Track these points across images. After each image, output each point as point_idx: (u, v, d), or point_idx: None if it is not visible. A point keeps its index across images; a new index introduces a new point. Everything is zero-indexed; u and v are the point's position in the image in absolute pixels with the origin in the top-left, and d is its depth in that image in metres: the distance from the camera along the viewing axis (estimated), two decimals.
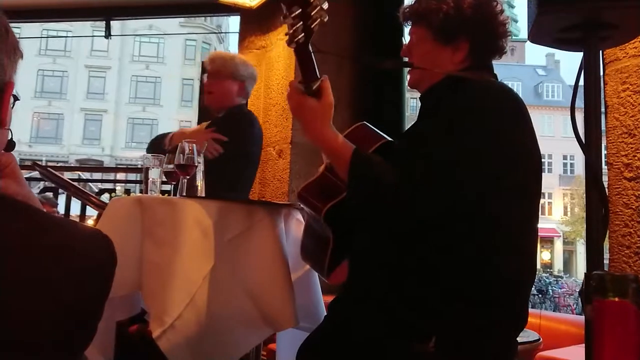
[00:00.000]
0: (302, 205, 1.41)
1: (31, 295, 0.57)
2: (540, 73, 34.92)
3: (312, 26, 1.08)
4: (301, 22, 1.08)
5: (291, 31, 1.09)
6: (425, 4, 1.25)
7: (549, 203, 30.81)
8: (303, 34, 1.09)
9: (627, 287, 0.64)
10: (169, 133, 2.23)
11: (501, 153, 1.10)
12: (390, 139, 1.36)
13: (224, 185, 2.08)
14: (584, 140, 1.11)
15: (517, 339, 1.21)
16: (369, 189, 1.11)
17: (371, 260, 1.20)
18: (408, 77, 1.35)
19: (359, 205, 1.17)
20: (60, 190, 3.98)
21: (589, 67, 1.11)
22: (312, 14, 1.07)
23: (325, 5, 1.08)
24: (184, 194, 1.59)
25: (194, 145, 1.61)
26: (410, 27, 1.31)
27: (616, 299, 0.63)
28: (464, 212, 1.07)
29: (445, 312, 1.09)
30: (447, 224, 1.08)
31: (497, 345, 1.13)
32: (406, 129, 1.42)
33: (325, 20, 1.09)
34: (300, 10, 1.07)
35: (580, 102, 1.09)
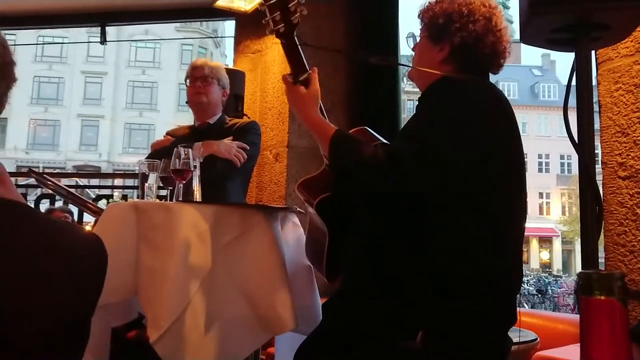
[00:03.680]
0: (302, 198, 1.46)
1: (29, 293, 0.57)
2: (536, 73, 35.00)
3: (292, 19, 1.14)
4: (279, 12, 1.12)
5: (269, 19, 1.14)
6: (427, 5, 1.34)
7: (547, 203, 30.82)
8: (283, 24, 1.14)
9: (613, 285, 0.65)
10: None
11: (483, 142, 1.13)
12: (388, 143, 1.38)
13: (242, 191, 2.24)
14: (577, 140, 1.12)
15: (515, 339, 1.22)
16: (348, 162, 1.15)
17: (359, 257, 1.23)
18: (409, 85, 1.40)
19: (338, 179, 1.23)
20: (57, 197, 3.98)
21: (580, 67, 1.12)
22: (290, 5, 1.14)
23: None
24: (180, 199, 1.59)
25: (190, 150, 1.61)
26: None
27: (602, 297, 0.64)
28: (450, 203, 1.10)
29: (432, 308, 1.10)
30: (434, 218, 1.11)
31: (485, 340, 1.14)
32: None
33: (305, 13, 1.15)
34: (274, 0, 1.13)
35: (574, 102, 1.10)
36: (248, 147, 2.16)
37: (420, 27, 1.37)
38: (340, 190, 1.28)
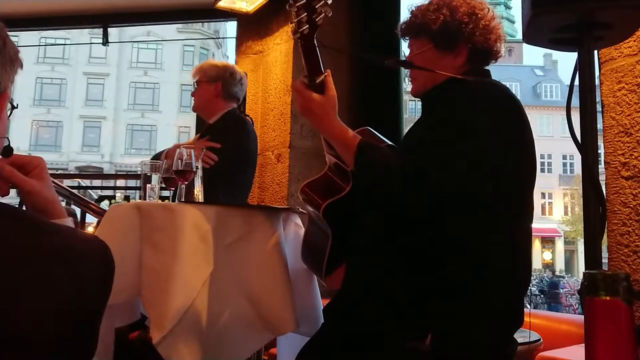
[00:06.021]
0: (303, 201, 1.46)
1: (32, 297, 0.57)
2: (538, 73, 34.97)
3: (317, 19, 1.13)
4: (306, 14, 1.11)
5: (296, 21, 1.12)
6: (421, 17, 1.31)
7: (550, 203, 30.77)
8: (307, 26, 1.12)
9: (618, 286, 0.65)
10: (164, 150, 2.19)
11: (496, 146, 1.13)
12: (391, 143, 1.38)
13: (222, 193, 2.05)
14: (580, 140, 1.11)
15: (518, 339, 1.21)
16: (376, 174, 1.14)
17: (367, 258, 1.22)
18: (410, 86, 1.38)
19: (365, 191, 1.21)
20: (59, 198, 3.98)
21: (583, 67, 1.12)
22: (317, 7, 1.12)
23: (330, 0, 1.11)
24: (183, 199, 1.59)
25: (192, 150, 1.61)
26: (408, 40, 1.37)
27: (607, 298, 0.64)
28: (461, 205, 1.09)
29: (441, 310, 1.10)
30: (443, 219, 1.10)
31: (493, 343, 1.14)
32: (408, 128, 1.46)
33: (330, 15, 1.12)
34: (304, 0, 1.10)
35: (576, 102, 1.10)
36: (218, 146, 2.04)
37: (411, 40, 1.34)
38: (365, 201, 1.26)
